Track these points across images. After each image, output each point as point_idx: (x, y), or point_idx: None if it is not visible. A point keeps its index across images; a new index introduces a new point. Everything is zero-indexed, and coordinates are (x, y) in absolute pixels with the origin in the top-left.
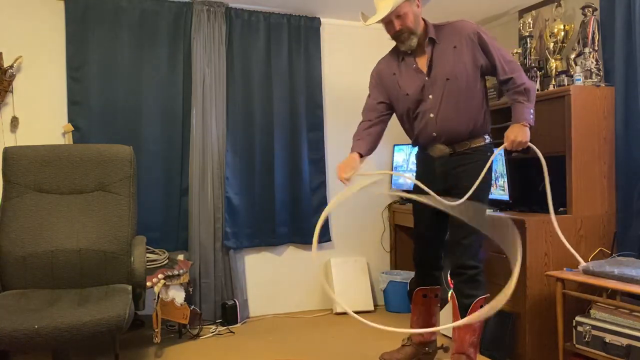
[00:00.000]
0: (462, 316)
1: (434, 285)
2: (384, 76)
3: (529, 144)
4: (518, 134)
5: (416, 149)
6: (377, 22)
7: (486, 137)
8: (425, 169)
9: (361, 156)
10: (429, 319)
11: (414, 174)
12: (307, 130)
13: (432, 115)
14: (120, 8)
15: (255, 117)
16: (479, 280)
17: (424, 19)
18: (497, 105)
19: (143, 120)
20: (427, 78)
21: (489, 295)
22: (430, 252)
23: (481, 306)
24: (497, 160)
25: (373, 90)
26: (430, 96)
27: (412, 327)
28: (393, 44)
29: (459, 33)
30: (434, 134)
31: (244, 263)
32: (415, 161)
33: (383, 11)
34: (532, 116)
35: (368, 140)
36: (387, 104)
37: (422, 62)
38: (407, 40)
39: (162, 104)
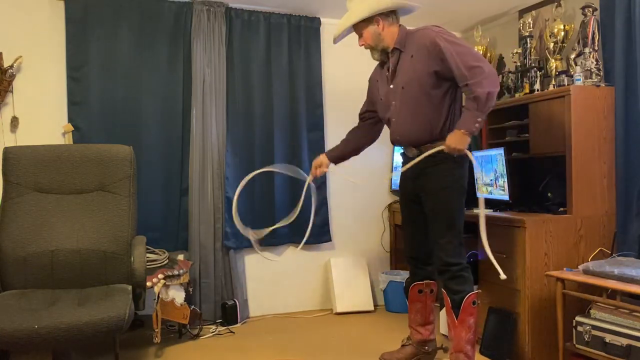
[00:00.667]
0: (456, 313)
1: (428, 279)
2: (371, 82)
3: (466, 151)
4: (456, 141)
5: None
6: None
7: None
8: (404, 169)
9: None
10: (427, 316)
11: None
12: (307, 130)
13: (394, 119)
14: (120, 8)
15: (255, 117)
16: (464, 275)
17: (400, 26)
18: (496, 106)
19: (143, 120)
20: (391, 86)
21: (480, 291)
22: (417, 247)
23: (473, 302)
24: (497, 160)
25: (368, 93)
26: (393, 102)
27: (410, 325)
28: None
29: (418, 42)
30: (397, 137)
31: (244, 263)
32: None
33: (336, 32)
34: (477, 124)
35: (341, 147)
36: (371, 111)
37: (390, 70)
38: (372, 54)
39: (162, 104)
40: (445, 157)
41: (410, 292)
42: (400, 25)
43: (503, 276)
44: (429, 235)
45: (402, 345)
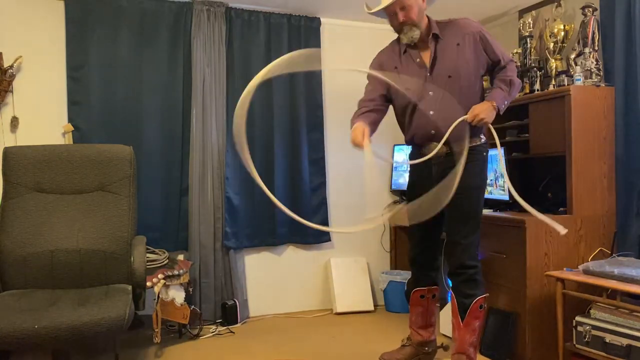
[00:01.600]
0: (462, 316)
1: (431, 285)
2: (385, 68)
3: (490, 125)
4: (484, 110)
5: (410, 149)
6: (381, 12)
7: (482, 136)
8: (420, 168)
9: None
10: (428, 319)
11: (408, 175)
12: (307, 130)
13: (431, 112)
14: (120, 8)
15: (255, 117)
16: (478, 279)
17: (427, 16)
18: None
19: (143, 120)
20: (428, 74)
21: (488, 294)
22: (425, 252)
23: (480, 306)
24: (497, 160)
25: (372, 81)
26: (431, 92)
27: (410, 327)
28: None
29: (462, 31)
30: (433, 131)
31: (244, 263)
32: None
33: (387, 1)
34: (504, 105)
35: (366, 119)
36: (385, 96)
37: (425, 57)
38: (409, 32)
39: (162, 103)
40: (475, 157)
41: (412, 297)
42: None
43: (563, 231)
44: (448, 235)
45: (402, 346)
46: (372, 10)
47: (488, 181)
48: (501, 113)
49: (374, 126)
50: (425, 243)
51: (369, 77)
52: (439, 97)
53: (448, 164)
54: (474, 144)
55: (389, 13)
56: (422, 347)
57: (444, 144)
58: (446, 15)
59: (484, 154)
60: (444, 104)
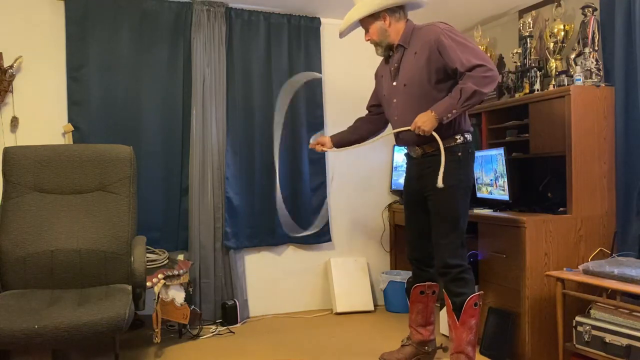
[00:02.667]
0: (457, 315)
1: (431, 281)
2: (377, 78)
3: (433, 133)
4: (424, 120)
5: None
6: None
7: (458, 137)
8: (408, 168)
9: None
10: (428, 317)
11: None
12: (307, 130)
13: (395, 118)
14: (120, 8)
15: (255, 117)
16: (465, 277)
17: (408, 21)
18: (496, 106)
19: (143, 120)
20: (394, 83)
21: (482, 292)
22: (420, 249)
23: (475, 304)
24: (497, 160)
25: (375, 87)
26: (395, 100)
27: (410, 325)
28: None
29: (422, 39)
30: (400, 135)
31: (244, 263)
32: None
33: (342, 26)
34: (449, 114)
35: (343, 133)
36: (377, 106)
37: (392, 68)
38: (377, 50)
39: (162, 104)
40: (450, 156)
41: (412, 293)
42: (407, 20)
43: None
44: (432, 235)
45: (402, 345)
46: (340, 34)
47: (488, 181)
48: (444, 122)
49: (346, 138)
50: (419, 241)
51: (376, 83)
52: (399, 104)
53: (424, 164)
54: (447, 145)
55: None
56: (422, 347)
57: (417, 145)
58: (446, 16)
59: (459, 153)
60: (403, 111)
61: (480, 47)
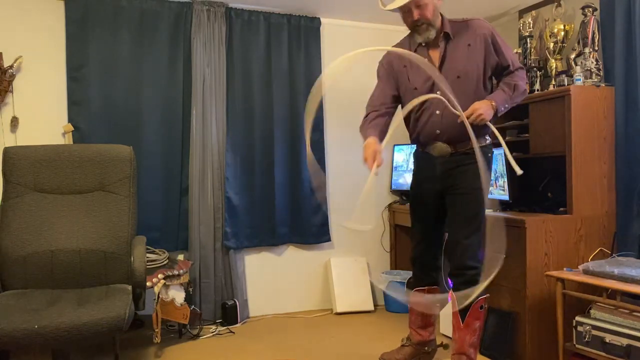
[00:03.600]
0: (462, 317)
1: (432, 285)
2: (395, 67)
3: (488, 123)
4: (482, 107)
5: (414, 147)
6: (395, 10)
7: (487, 137)
8: (424, 167)
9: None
10: (428, 318)
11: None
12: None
13: (437, 112)
14: (120, 8)
15: (255, 117)
16: (478, 281)
17: (441, 14)
18: None
19: (143, 120)
20: (437, 74)
21: (488, 295)
22: (427, 251)
23: (481, 306)
24: (497, 160)
25: (382, 81)
26: (438, 92)
27: (410, 327)
28: (394, 40)
29: (474, 31)
30: (438, 131)
31: (244, 263)
32: (413, 160)
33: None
34: (503, 107)
35: (377, 129)
36: (396, 96)
37: (435, 57)
38: (425, 32)
39: (162, 104)
40: (482, 157)
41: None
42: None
43: (519, 171)
44: (450, 234)
45: (402, 346)
46: (388, 7)
47: None
48: (499, 114)
49: (383, 135)
50: (426, 242)
51: (380, 76)
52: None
53: (452, 164)
54: (479, 145)
55: (403, 10)
56: (421, 347)
57: (448, 143)
58: (446, 16)
59: (489, 155)
60: (446, 107)
61: None
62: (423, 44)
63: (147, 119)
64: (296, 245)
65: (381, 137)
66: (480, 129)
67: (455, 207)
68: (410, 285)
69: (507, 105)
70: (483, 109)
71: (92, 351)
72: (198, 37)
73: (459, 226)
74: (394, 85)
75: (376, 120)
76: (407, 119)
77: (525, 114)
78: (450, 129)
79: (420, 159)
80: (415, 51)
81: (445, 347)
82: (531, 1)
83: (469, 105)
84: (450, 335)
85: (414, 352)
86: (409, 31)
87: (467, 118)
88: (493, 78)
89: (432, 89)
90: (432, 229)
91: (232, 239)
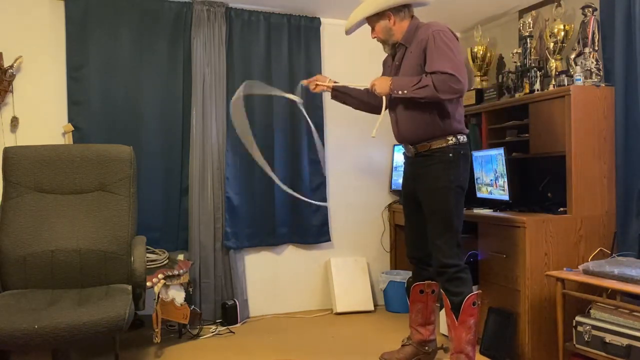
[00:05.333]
0: (455, 315)
1: (430, 280)
2: (384, 67)
3: (382, 96)
4: (381, 83)
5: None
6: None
7: (450, 138)
8: (405, 168)
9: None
10: (428, 316)
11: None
12: (307, 130)
13: (394, 115)
14: (120, 8)
15: (255, 117)
16: (462, 277)
17: (413, 18)
18: (496, 106)
19: (143, 120)
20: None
21: (480, 291)
22: (418, 248)
23: (474, 303)
24: (497, 160)
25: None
26: (394, 98)
27: (411, 324)
28: None
29: (418, 37)
30: (397, 134)
31: (244, 263)
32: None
33: (347, 24)
34: (401, 91)
35: (349, 89)
36: None
37: (394, 66)
38: (385, 47)
39: (162, 104)
40: (439, 158)
41: (411, 292)
42: (412, 17)
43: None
44: (428, 235)
45: (402, 345)
46: (347, 32)
47: (488, 181)
48: (393, 95)
49: (349, 92)
50: (418, 239)
51: None
52: (397, 102)
53: (416, 165)
54: (439, 145)
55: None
56: (422, 347)
57: (411, 144)
58: (446, 15)
59: (450, 154)
60: (399, 109)
61: (480, 47)
62: (397, 48)
63: (147, 119)
64: (296, 245)
65: (344, 90)
66: (438, 130)
67: (425, 209)
68: (410, 282)
69: (405, 91)
70: (378, 82)
71: (92, 351)
72: (198, 37)
73: (430, 227)
74: None
75: (361, 91)
76: None
77: (525, 114)
78: (403, 132)
79: (404, 159)
80: (393, 61)
81: (446, 350)
82: (531, 1)
83: (414, 108)
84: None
85: (414, 351)
86: None
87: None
88: None
89: (390, 94)
90: (420, 226)
91: (232, 239)
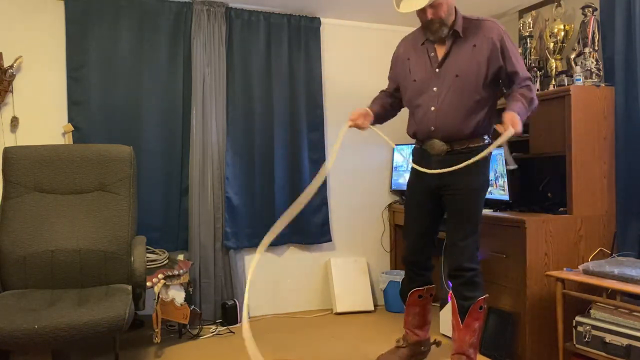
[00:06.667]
0: (462, 318)
1: (429, 284)
2: (398, 60)
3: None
4: (517, 122)
5: (412, 146)
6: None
7: (485, 138)
8: (420, 164)
9: (373, 114)
10: (425, 318)
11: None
12: (307, 130)
13: (432, 108)
14: (120, 8)
15: (255, 117)
16: (477, 282)
17: (456, 10)
18: (497, 106)
19: (143, 120)
20: (437, 70)
21: (487, 295)
22: (420, 250)
23: (480, 307)
24: (497, 160)
25: (391, 69)
26: (435, 88)
27: (406, 327)
28: (394, 40)
29: (483, 33)
30: (432, 127)
31: (244, 263)
32: (411, 156)
33: (421, 1)
34: (523, 120)
35: (379, 104)
36: (397, 89)
37: (440, 52)
38: (438, 31)
39: (162, 104)
40: (478, 154)
41: (409, 298)
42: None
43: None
44: (447, 236)
45: (397, 347)
46: (403, 10)
47: None
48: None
49: (383, 109)
50: (420, 242)
51: (391, 63)
52: (444, 94)
53: (447, 162)
54: (477, 144)
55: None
56: (418, 347)
57: (444, 141)
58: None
59: (489, 157)
60: (449, 102)
61: None
62: (431, 39)
63: (147, 119)
64: (296, 245)
65: (380, 111)
66: (481, 129)
67: (451, 208)
68: (405, 285)
69: (524, 119)
70: (516, 123)
71: (92, 351)
72: (198, 37)
73: (455, 227)
74: (395, 81)
75: (381, 96)
76: (410, 114)
77: None
78: (444, 126)
79: (417, 155)
80: (422, 45)
81: (438, 344)
82: (531, 1)
83: (464, 104)
84: (450, 335)
85: (410, 352)
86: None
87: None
88: (504, 88)
89: (428, 84)
90: (426, 229)
91: (232, 239)
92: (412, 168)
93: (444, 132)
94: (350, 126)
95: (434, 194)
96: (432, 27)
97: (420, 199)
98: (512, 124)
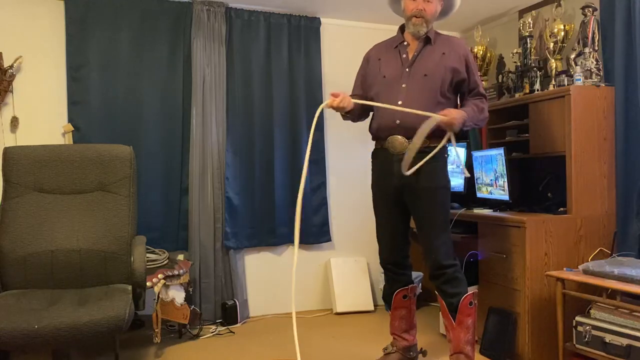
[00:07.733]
0: (453, 317)
1: (411, 284)
2: (370, 60)
3: (452, 132)
4: (458, 117)
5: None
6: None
7: (445, 136)
8: (382, 167)
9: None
10: (411, 321)
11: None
12: (307, 130)
13: (400, 102)
14: (120, 8)
15: (255, 117)
16: (459, 277)
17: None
18: (496, 106)
19: (143, 120)
20: (407, 69)
21: (476, 290)
22: (397, 251)
23: (470, 302)
24: (497, 160)
25: (358, 75)
26: (404, 85)
27: (394, 331)
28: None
29: (452, 47)
30: (398, 121)
31: (244, 263)
32: (371, 160)
33: None
34: (470, 123)
35: (360, 97)
36: (361, 95)
37: (410, 53)
38: (418, 25)
39: (162, 104)
40: (440, 155)
41: (394, 299)
42: None
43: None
44: (420, 240)
45: (387, 353)
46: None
47: (488, 181)
48: (463, 129)
49: (358, 105)
50: (394, 242)
51: (358, 72)
52: (410, 90)
53: (414, 161)
54: (435, 144)
55: None
56: (407, 353)
57: (407, 138)
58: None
59: (445, 155)
60: (414, 97)
61: (480, 47)
62: (405, 42)
63: (147, 119)
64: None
65: (356, 105)
66: (441, 130)
67: (418, 208)
68: (387, 289)
69: (471, 124)
70: (458, 118)
71: (92, 351)
72: (198, 37)
73: (426, 228)
74: (363, 84)
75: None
76: (373, 114)
77: (525, 114)
78: (409, 119)
79: (378, 157)
80: (396, 47)
81: (425, 353)
82: (531, 1)
83: (428, 102)
84: (445, 334)
85: (400, 358)
86: (401, 25)
87: (441, 119)
88: (458, 97)
89: (398, 81)
90: (400, 227)
91: (232, 239)
92: (373, 169)
93: (407, 126)
94: (330, 105)
95: (398, 192)
96: (415, 20)
97: (387, 198)
98: (450, 113)
